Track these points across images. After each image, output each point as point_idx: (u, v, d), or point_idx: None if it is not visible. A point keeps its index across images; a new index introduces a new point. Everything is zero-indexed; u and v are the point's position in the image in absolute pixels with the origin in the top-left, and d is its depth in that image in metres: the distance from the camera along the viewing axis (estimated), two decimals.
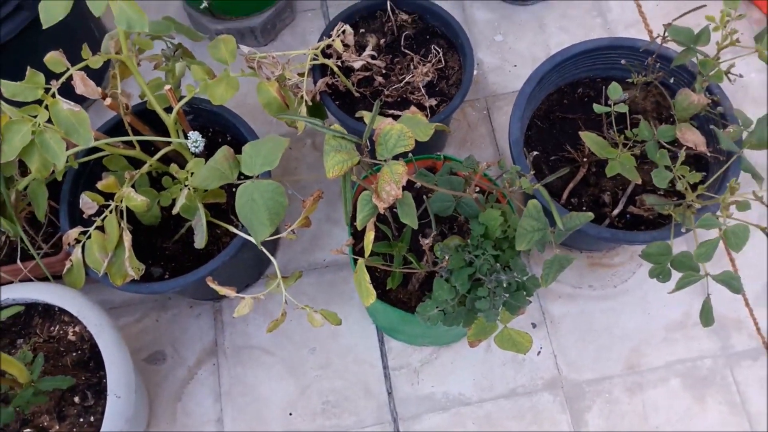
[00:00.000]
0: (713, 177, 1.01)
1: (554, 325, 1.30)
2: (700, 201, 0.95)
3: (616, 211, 1.10)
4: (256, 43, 1.54)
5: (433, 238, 0.88)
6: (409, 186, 0.94)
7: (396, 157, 0.76)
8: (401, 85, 1.22)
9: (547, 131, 1.20)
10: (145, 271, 1.03)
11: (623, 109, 0.98)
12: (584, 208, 1.13)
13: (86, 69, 0.91)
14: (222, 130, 1.20)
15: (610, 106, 1.01)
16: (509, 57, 1.55)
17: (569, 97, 1.23)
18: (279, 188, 0.82)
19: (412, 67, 1.24)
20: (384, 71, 1.24)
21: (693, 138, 0.94)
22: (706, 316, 0.90)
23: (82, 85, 0.89)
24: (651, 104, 1.19)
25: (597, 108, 1.00)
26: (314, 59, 1.14)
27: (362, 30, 1.29)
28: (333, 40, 1.14)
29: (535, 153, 1.14)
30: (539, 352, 1.28)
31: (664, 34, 1.03)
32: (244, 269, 1.25)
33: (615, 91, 0.98)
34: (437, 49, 1.25)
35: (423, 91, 1.21)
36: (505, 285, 0.82)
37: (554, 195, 1.13)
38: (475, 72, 1.53)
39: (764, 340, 1.28)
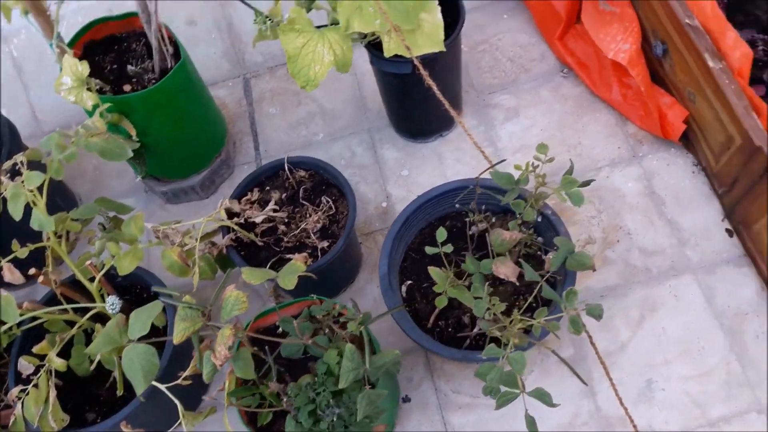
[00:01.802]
0: (526, 303, 1.18)
1: None
2: (525, 321, 1.11)
3: (474, 332, 1.27)
4: (197, 197, 1.81)
5: (280, 382, 1.06)
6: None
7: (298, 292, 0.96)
8: (298, 231, 1.44)
9: (420, 262, 1.40)
10: (81, 416, 1.23)
11: (449, 249, 1.17)
12: (450, 329, 1.30)
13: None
14: (145, 285, 1.43)
15: (472, 236, 1.21)
16: (414, 188, 1.77)
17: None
18: (150, 350, 1.02)
19: (308, 215, 1.47)
20: (286, 220, 1.48)
21: (505, 271, 1.12)
22: (530, 426, 1.04)
23: (9, 274, 1.14)
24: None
25: (428, 250, 1.19)
26: (221, 220, 1.38)
27: (267, 187, 1.54)
28: (230, 206, 1.39)
29: (409, 282, 1.34)
30: None
31: (480, 176, 1.24)
32: (167, 410, 1.44)
33: (441, 234, 1.17)
34: (328, 199, 1.48)
35: (315, 237, 1.43)
36: (344, 418, 0.99)
37: (423, 319, 1.31)
38: (384, 204, 1.76)
39: None
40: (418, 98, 1.65)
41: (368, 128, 1.88)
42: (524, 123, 1.83)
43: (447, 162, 1.80)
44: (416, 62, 1.25)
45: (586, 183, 1.20)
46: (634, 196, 1.67)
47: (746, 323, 1.48)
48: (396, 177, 1.80)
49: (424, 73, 1.23)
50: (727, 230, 1.60)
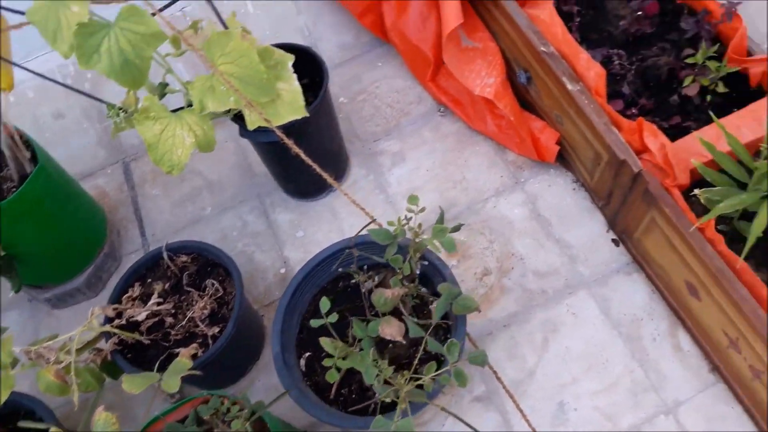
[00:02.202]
0: (416, 359, 1.17)
1: None
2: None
3: (377, 396, 1.25)
4: (85, 298, 1.73)
5: None
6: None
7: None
8: (185, 322, 1.39)
9: (317, 330, 1.37)
10: None
11: (333, 319, 1.16)
12: (354, 396, 1.28)
13: None
14: (30, 410, 1.35)
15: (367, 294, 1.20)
16: (311, 248, 1.75)
17: (333, 293, 1.41)
18: None
19: (194, 302, 1.42)
20: (173, 311, 1.42)
21: (391, 331, 1.11)
22: None
23: None
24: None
25: (313, 323, 1.17)
26: (98, 327, 1.31)
27: (149, 279, 1.48)
28: (103, 312, 1.33)
29: (308, 354, 1.31)
30: None
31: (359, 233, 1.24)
32: None
33: (324, 305, 1.16)
34: (213, 281, 1.44)
35: (203, 325, 1.38)
36: None
37: (326, 390, 1.28)
38: (283, 270, 1.73)
39: None
40: (297, 162, 1.63)
41: (257, 194, 1.86)
42: (411, 166, 1.85)
43: (341, 216, 1.79)
44: (279, 134, 1.24)
45: (456, 228, 1.21)
46: (521, 221, 1.71)
47: (642, 328, 1.53)
48: (292, 240, 1.78)
49: (289, 142, 1.22)
50: (613, 240, 1.65)
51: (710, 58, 1.57)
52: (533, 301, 1.59)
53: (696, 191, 1.32)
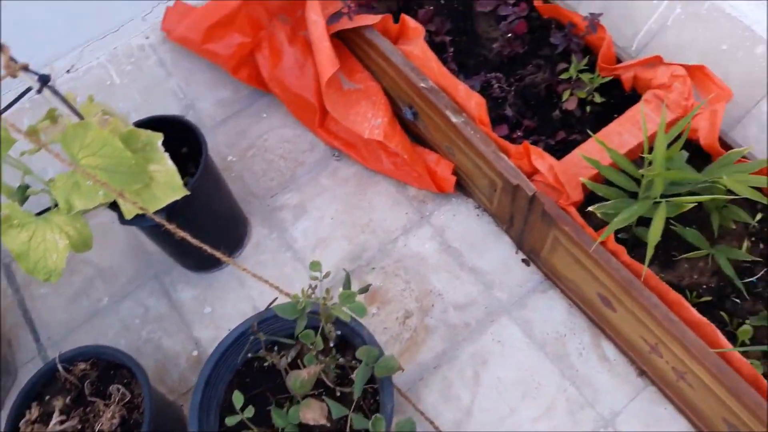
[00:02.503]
0: None
1: None
2: None
3: None
4: None
5: None
6: None
7: None
8: None
9: (238, 426, 1.28)
10: None
11: (250, 413, 1.08)
12: None
13: None
14: None
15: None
16: (223, 324, 1.65)
17: (250, 374, 1.33)
18: None
19: (101, 413, 1.30)
20: (79, 427, 1.29)
21: (313, 416, 1.05)
22: None
23: None
24: None
25: (228, 421, 1.09)
26: None
27: (48, 396, 1.34)
28: None
29: None
30: None
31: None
32: None
33: (237, 399, 1.08)
34: (118, 386, 1.32)
35: None
36: None
37: None
38: (195, 352, 1.62)
39: None
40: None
41: (155, 274, 1.74)
42: (314, 216, 1.79)
43: (249, 283, 1.71)
44: (158, 220, 1.15)
45: (364, 289, 1.17)
46: (434, 255, 1.69)
47: (567, 344, 1.53)
48: (200, 318, 1.67)
49: (170, 227, 1.14)
50: (523, 260, 1.66)
51: (583, 70, 1.61)
52: (458, 335, 1.57)
53: (591, 208, 1.34)
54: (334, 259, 1.70)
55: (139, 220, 1.37)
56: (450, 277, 1.65)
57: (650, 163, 1.30)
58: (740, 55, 1.62)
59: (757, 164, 1.27)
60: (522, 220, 1.56)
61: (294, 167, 1.89)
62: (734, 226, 1.40)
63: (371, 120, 1.71)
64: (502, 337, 1.55)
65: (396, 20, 1.73)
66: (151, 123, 1.51)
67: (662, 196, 1.27)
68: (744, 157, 1.35)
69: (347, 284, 1.17)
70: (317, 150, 1.91)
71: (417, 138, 1.82)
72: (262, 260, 1.74)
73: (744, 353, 1.20)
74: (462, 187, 1.77)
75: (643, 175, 1.31)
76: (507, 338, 1.55)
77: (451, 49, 1.70)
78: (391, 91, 1.77)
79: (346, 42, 1.83)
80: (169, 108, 1.94)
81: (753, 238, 1.41)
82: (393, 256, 1.70)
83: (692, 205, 1.24)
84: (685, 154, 1.35)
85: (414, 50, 1.63)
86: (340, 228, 1.76)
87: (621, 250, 1.33)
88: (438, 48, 1.72)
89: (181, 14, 1.83)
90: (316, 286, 1.18)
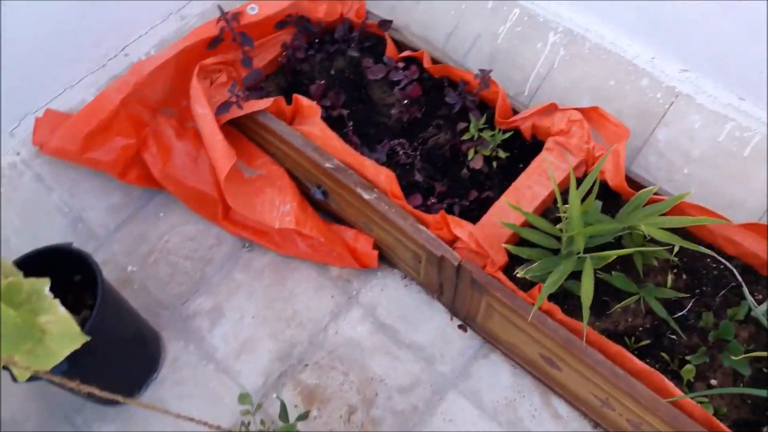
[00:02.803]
0: None
1: None
2: None
3: None
4: None
5: None
6: None
7: None
8: None
9: None
10: None
11: None
12: None
13: None
14: None
15: None
16: None
17: None
18: None
19: None
20: None
21: None
22: None
23: None
24: None
25: None
26: None
27: None
28: None
29: None
30: None
31: None
32: None
33: None
34: None
35: None
36: None
37: None
38: None
39: None
40: (93, 373, 1.38)
41: (65, 415, 1.55)
42: (233, 318, 1.67)
43: (174, 407, 1.55)
44: (56, 381, 1.01)
45: (303, 416, 1.07)
46: (368, 338, 1.61)
47: (518, 408, 1.49)
48: None
49: (73, 383, 1.00)
50: (460, 326, 1.61)
51: (483, 128, 1.60)
52: (408, 422, 1.49)
53: (518, 272, 1.31)
54: (262, 362, 1.59)
55: (36, 377, 1.20)
56: (389, 359, 1.57)
57: (567, 218, 1.28)
58: (628, 88, 1.67)
59: (668, 203, 1.29)
60: (452, 287, 1.51)
61: (202, 266, 1.76)
62: (656, 263, 1.41)
63: (279, 207, 1.62)
64: (453, 415, 1.49)
65: (289, 101, 1.67)
66: (36, 258, 1.36)
67: (585, 249, 1.25)
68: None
69: (283, 415, 1.06)
70: (225, 243, 1.79)
71: (331, 215, 1.75)
72: (181, 379, 1.59)
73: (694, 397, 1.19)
74: (385, 259, 1.71)
75: (560, 231, 1.29)
76: (458, 415, 1.49)
77: (351, 123, 1.65)
78: (295, 171, 1.69)
79: (240, 127, 1.74)
80: (55, 224, 1.76)
81: (675, 271, 1.43)
82: (325, 347, 1.60)
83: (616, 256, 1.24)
84: (599, 204, 1.35)
85: (313, 130, 1.56)
86: (263, 326, 1.64)
87: (555, 309, 1.31)
88: (337, 122, 1.67)
89: (53, 124, 1.67)
90: (249, 423, 1.07)
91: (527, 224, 1.37)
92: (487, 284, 1.36)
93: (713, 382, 1.30)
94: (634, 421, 1.30)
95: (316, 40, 1.80)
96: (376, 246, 1.66)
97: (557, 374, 1.41)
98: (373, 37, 1.82)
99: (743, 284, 1.37)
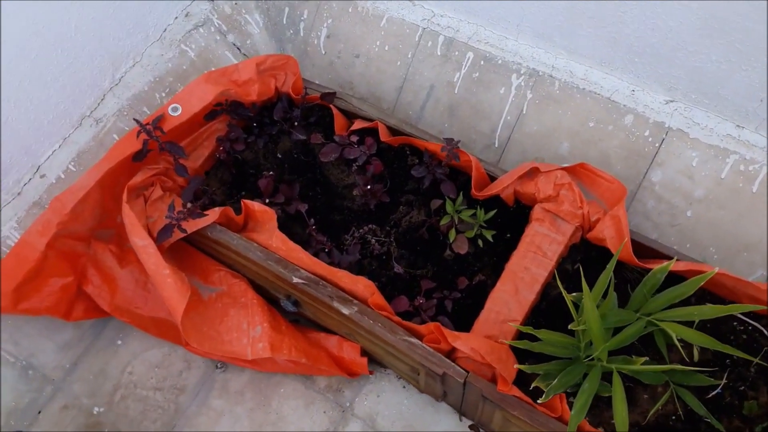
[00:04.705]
0: None
1: None
2: None
3: None
4: None
5: None
6: None
7: None
8: None
9: None
10: None
11: None
12: None
13: None
14: None
15: None
16: None
17: None
18: None
19: None
20: None
21: None
22: None
23: None
24: None
25: None
26: None
27: None
28: None
29: None
30: None
31: None
32: None
33: None
34: None
35: None
36: None
37: None
38: None
39: None
40: None
41: None
42: None
43: None
44: None
45: None
46: None
47: None
48: None
49: None
50: (471, 427, 1.46)
51: (460, 209, 1.42)
52: None
53: (534, 384, 1.16)
54: None
55: None
56: None
57: (581, 318, 1.13)
58: (611, 128, 1.50)
59: (691, 285, 1.13)
60: (458, 396, 1.35)
61: (175, 396, 1.57)
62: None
63: (249, 331, 1.43)
64: None
65: (237, 195, 1.47)
66: None
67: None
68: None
69: None
70: (195, 366, 1.59)
71: (308, 319, 1.56)
72: None
73: None
74: (377, 362, 1.53)
75: (578, 336, 1.14)
76: None
77: (312, 221, 1.45)
78: (259, 282, 1.50)
79: (189, 239, 1.53)
80: (3, 379, 1.55)
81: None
82: None
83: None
84: (615, 298, 1.19)
85: (273, 242, 1.37)
86: None
87: (583, 422, 1.16)
88: (296, 219, 1.47)
89: None
90: None
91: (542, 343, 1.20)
92: (502, 401, 1.20)
93: None
94: None
95: (255, 124, 1.59)
96: (364, 352, 1.48)
97: None
98: (317, 109, 1.61)
99: None
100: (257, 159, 1.59)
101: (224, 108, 1.55)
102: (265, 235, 1.39)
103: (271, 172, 1.54)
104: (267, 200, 1.48)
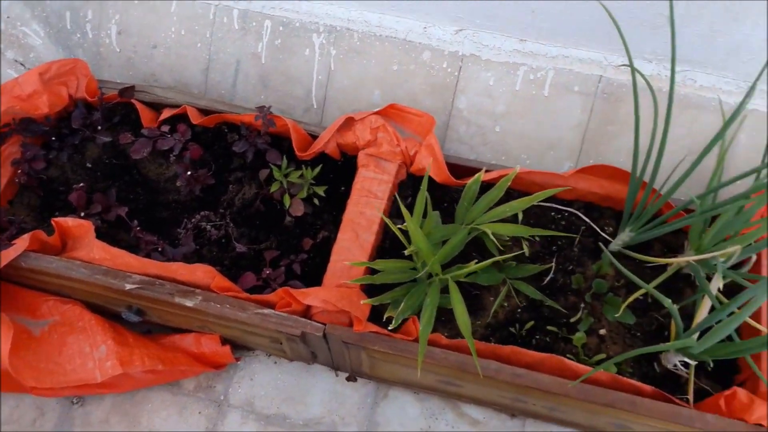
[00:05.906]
0: None
1: None
2: None
3: None
4: None
5: None
6: None
7: None
8: None
9: None
10: None
11: None
12: None
13: None
14: None
15: None
16: None
17: None
18: None
19: None
20: None
21: None
22: None
23: None
24: None
25: None
26: None
27: None
28: None
29: None
30: None
31: None
32: None
33: None
34: None
35: None
36: None
37: None
38: None
39: None
40: None
41: None
42: None
43: None
44: None
45: None
46: None
47: (437, 431, 1.40)
48: None
49: None
50: (348, 378, 1.47)
51: (288, 172, 1.42)
52: None
53: (387, 314, 1.19)
54: None
55: None
56: None
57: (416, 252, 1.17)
58: (413, 68, 1.56)
59: (500, 189, 1.21)
60: (325, 351, 1.35)
61: None
62: (507, 238, 1.35)
63: (93, 353, 1.33)
64: None
65: (48, 220, 1.36)
66: None
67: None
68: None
69: None
70: (49, 410, 1.46)
71: (158, 325, 1.48)
72: None
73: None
74: (241, 347, 1.49)
75: (413, 258, 1.18)
76: None
77: (135, 222, 1.37)
78: (94, 300, 1.40)
79: (4, 277, 1.39)
80: None
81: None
82: None
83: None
84: (438, 215, 1.24)
85: (95, 254, 1.28)
86: None
87: (438, 337, 1.21)
88: (120, 226, 1.39)
89: None
90: None
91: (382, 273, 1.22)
92: (360, 341, 1.21)
93: (602, 332, 1.29)
94: (549, 406, 1.26)
95: (53, 138, 1.47)
96: (224, 341, 1.44)
97: (461, 390, 1.33)
98: (120, 108, 1.52)
99: (591, 223, 1.37)
100: (65, 174, 1.48)
101: (13, 128, 1.42)
102: (86, 249, 1.30)
103: (81, 184, 1.43)
104: (82, 213, 1.38)
